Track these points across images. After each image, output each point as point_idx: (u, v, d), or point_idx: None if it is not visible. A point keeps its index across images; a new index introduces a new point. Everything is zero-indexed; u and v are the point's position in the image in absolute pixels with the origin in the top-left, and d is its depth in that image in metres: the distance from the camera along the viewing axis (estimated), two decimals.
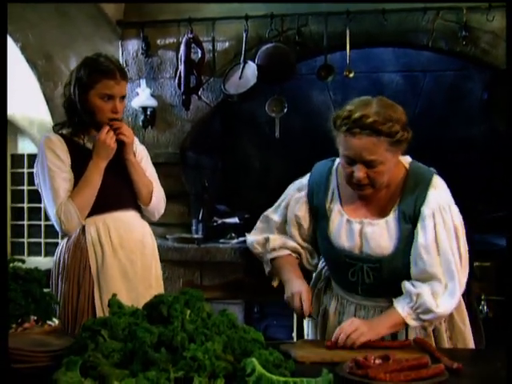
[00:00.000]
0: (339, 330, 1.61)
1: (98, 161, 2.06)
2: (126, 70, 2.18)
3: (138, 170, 2.16)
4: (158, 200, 2.22)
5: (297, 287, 1.76)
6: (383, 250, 1.69)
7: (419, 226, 1.66)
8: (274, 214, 1.89)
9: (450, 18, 3.41)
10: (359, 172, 1.62)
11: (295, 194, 1.84)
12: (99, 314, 2.03)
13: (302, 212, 1.82)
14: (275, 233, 1.88)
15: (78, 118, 2.10)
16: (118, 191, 2.13)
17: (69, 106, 2.12)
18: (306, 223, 1.83)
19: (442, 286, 1.64)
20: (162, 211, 2.28)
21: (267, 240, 1.86)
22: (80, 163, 2.08)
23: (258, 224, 1.93)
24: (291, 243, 1.85)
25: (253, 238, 1.91)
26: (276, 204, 1.91)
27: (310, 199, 1.81)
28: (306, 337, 1.96)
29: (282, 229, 1.88)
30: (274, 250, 1.85)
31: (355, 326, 1.60)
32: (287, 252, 1.85)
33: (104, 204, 2.09)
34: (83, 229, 2.09)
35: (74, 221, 2.03)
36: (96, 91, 2.04)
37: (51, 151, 2.06)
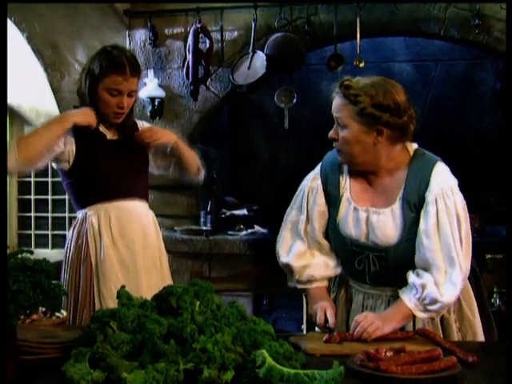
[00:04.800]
0: (355, 323, 1.62)
1: (68, 119, 2.01)
2: (139, 65, 2.14)
3: (184, 147, 2.22)
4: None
5: (321, 302, 1.77)
6: (389, 239, 1.70)
7: (422, 212, 1.67)
8: (298, 215, 1.84)
9: (462, 5, 3.36)
10: (332, 130, 1.72)
11: (311, 185, 1.83)
12: (97, 304, 2.03)
13: (321, 199, 1.81)
14: (303, 237, 1.82)
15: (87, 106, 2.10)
16: (124, 180, 2.12)
17: (79, 95, 2.13)
18: (326, 211, 1.81)
19: (442, 272, 1.64)
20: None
21: (292, 270, 1.82)
22: (87, 149, 2.07)
23: (285, 232, 1.86)
24: (318, 273, 1.81)
25: (283, 259, 1.84)
26: (295, 205, 1.86)
27: (325, 187, 1.81)
28: (316, 328, 1.95)
29: (307, 229, 1.83)
30: (299, 282, 1.83)
31: (371, 320, 1.60)
32: (314, 285, 1.82)
33: (108, 192, 2.09)
34: (85, 217, 2.09)
35: (11, 159, 1.90)
36: (104, 85, 2.03)
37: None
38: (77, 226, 2.12)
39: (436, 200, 1.65)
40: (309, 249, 1.82)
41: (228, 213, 3.85)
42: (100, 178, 2.08)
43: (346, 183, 1.78)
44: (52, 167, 4.25)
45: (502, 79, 3.83)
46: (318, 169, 1.85)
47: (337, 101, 1.71)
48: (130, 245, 2.10)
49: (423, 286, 1.63)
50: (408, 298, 1.65)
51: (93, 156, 2.08)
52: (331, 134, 1.73)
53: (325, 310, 1.75)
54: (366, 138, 1.68)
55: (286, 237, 1.86)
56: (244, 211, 3.86)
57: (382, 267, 1.72)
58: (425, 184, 1.68)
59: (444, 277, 1.64)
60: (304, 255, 1.82)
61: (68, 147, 2.06)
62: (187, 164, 2.26)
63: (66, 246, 2.15)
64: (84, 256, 2.07)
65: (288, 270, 1.85)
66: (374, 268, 1.73)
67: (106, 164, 2.09)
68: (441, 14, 3.38)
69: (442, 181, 1.68)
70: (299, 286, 1.84)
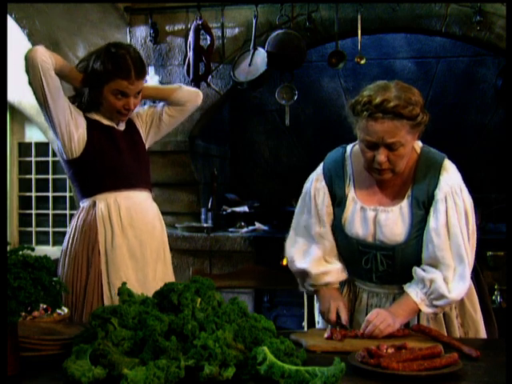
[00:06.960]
0: (366, 322, 1.61)
1: None
2: (145, 65, 2.09)
3: (153, 89, 2.23)
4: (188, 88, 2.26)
5: (333, 300, 1.75)
6: (396, 237, 1.69)
7: (432, 210, 1.67)
8: (309, 219, 1.81)
9: (463, 2, 3.35)
10: (381, 155, 1.62)
11: (315, 186, 1.80)
12: (106, 292, 2.01)
13: (328, 200, 1.79)
14: (317, 241, 1.79)
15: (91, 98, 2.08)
16: (132, 171, 2.11)
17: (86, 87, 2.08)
18: (332, 211, 1.79)
19: (451, 270, 1.65)
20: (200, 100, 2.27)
21: (306, 275, 1.79)
22: (97, 138, 2.05)
23: (298, 238, 1.83)
24: (335, 279, 1.79)
25: (298, 264, 1.80)
26: (305, 209, 1.82)
27: (330, 188, 1.79)
28: (316, 324, 1.96)
29: (321, 231, 1.80)
30: (313, 286, 1.80)
31: (383, 318, 1.60)
32: (328, 287, 1.79)
33: (116, 182, 2.07)
34: (93, 204, 2.06)
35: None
36: (109, 87, 2.01)
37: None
38: (82, 215, 2.07)
39: (446, 198, 1.66)
40: (324, 253, 1.79)
41: (229, 210, 3.85)
42: (109, 167, 2.07)
43: (350, 183, 1.77)
44: (53, 165, 4.30)
45: (503, 76, 3.83)
46: (320, 169, 1.82)
47: (386, 125, 1.59)
48: (139, 235, 2.09)
49: (431, 281, 1.63)
50: (414, 293, 1.66)
51: (102, 145, 2.06)
52: (383, 161, 1.62)
53: (337, 307, 1.74)
54: (411, 144, 1.67)
55: (300, 242, 1.82)
56: (245, 208, 3.86)
57: (390, 266, 1.72)
58: (434, 182, 1.68)
59: (453, 274, 1.64)
60: (321, 260, 1.79)
61: (80, 131, 2.03)
62: (173, 98, 2.20)
63: (68, 235, 2.10)
64: (92, 243, 2.04)
65: (303, 275, 1.81)
66: (382, 267, 1.72)
67: (116, 153, 2.08)
68: (442, 10, 3.38)
69: (451, 178, 1.68)
70: (312, 289, 1.81)
